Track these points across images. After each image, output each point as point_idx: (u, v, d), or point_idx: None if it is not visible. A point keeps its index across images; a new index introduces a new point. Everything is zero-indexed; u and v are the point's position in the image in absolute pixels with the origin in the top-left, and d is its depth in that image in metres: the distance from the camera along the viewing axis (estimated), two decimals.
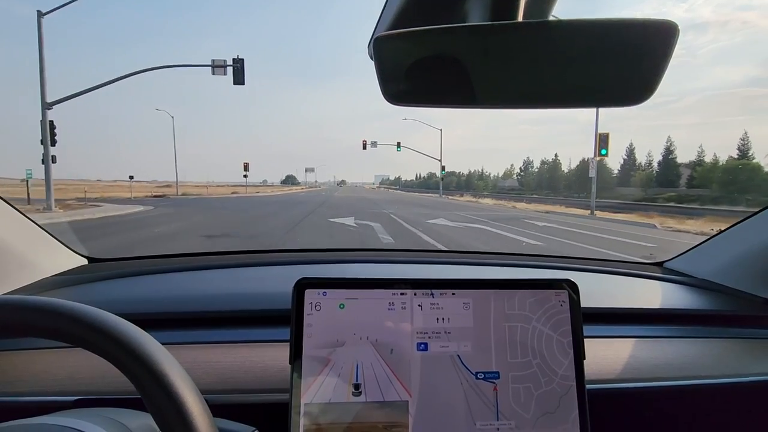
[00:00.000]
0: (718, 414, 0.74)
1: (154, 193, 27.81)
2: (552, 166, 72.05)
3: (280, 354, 0.67)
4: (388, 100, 0.39)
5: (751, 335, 0.86)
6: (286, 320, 0.57)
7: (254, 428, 0.48)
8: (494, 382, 0.57)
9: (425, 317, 0.59)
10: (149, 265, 1.00)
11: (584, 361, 0.59)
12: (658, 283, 1.05)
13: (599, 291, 0.95)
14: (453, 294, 0.60)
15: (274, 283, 0.87)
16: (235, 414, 0.54)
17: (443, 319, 0.59)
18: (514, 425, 0.56)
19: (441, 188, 47.06)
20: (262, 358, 0.68)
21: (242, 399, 0.63)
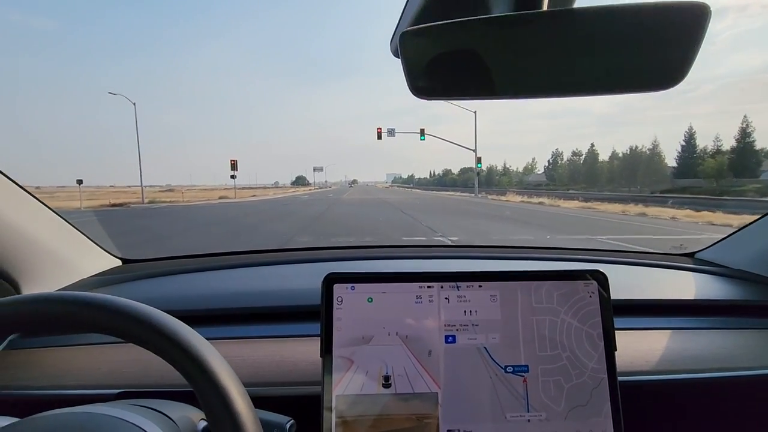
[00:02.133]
0: (755, 406, 0.72)
1: (113, 202, 22.38)
2: (589, 157, 64.27)
3: (311, 348, 0.69)
4: (415, 94, 0.40)
5: None
6: (314, 315, 0.58)
7: (290, 419, 0.50)
8: (523, 375, 0.57)
9: (453, 310, 0.59)
10: (180, 265, 1.03)
11: (615, 353, 0.59)
12: (690, 274, 1.02)
13: (628, 283, 0.93)
14: (480, 287, 0.60)
15: (302, 279, 0.89)
16: (268, 406, 0.56)
17: (470, 311, 0.59)
18: (545, 417, 0.56)
19: (477, 186, 40.25)
20: (293, 353, 0.70)
21: (275, 392, 0.65)
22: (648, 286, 0.95)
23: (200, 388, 0.40)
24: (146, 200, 24.13)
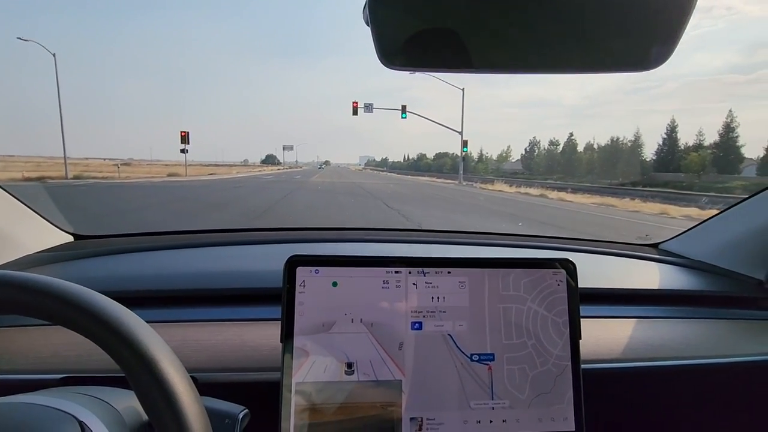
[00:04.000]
0: (712, 393, 0.75)
1: (26, 175, 18.55)
2: (568, 148, 61.63)
3: (272, 332, 0.66)
4: (384, 64, 0.36)
5: (745, 316, 0.86)
6: (277, 298, 0.55)
7: (244, 408, 0.47)
8: (488, 363, 0.57)
9: (420, 296, 0.57)
10: (137, 243, 0.97)
11: (580, 341, 0.59)
12: (654, 264, 1.05)
13: (594, 271, 0.94)
14: (449, 273, 0.58)
15: (266, 261, 0.85)
16: (225, 393, 0.53)
17: (438, 298, 0.57)
18: (509, 405, 0.56)
19: (461, 171, 32.76)
20: (254, 337, 0.67)
21: (233, 378, 0.62)
22: (613, 275, 0.97)
23: (133, 373, 0.36)
24: (71, 175, 20.05)
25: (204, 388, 0.61)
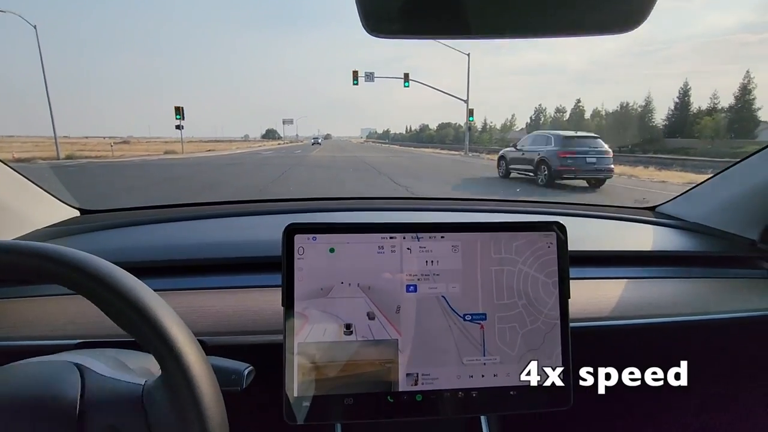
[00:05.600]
0: (700, 347, 0.78)
1: (17, 155, 17.33)
2: (575, 114, 56.92)
3: (273, 298, 0.69)
4: (368, 32, 0.37)
5: (737, 275, 0.88)
6: (278, 266, 0.58)
7: (249, 365, 0.50)
8: (480, 323, 0.59)
9: (414, 260, 0.59)
10: (142, 216, 1.00)
11: (569, 300, 0.61)
12: (650, 226, 1.06)
13: (590, 235, 0.96)
14: (442, 237, 0.60)
15: (266, 230, 0.88)
16: (231, 354, 0.56)
17: (432, 261, 0.60)
18: (500, 360, 0.59)
19: (467, 142, 29.89)
20: (256, 303, 0.70)
21: (238, 340, 0.66)
22: (609, 237, 0.99)
23: (142, 334, 0.39)
24: (63, 155, 18.81)
25: (212, 349, 0.65)
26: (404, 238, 0.59)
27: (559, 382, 0.60)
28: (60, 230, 0.91)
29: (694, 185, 1.12)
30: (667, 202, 1.15)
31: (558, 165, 8.68)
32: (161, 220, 0.97)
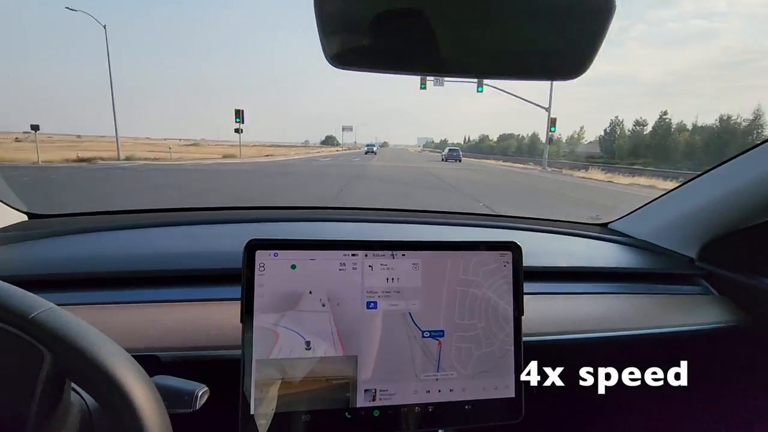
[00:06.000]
0: (645, 359, 0.83)
1: (80, 155, 18.39)
2: (660, 128, 50.54)
3: (235, 312, 0.68)
4: (330, 62, 0.38)
5: (678, 291, 0.95)
6: (239, 279, 0.57)
7: (203, 385, 0.49)
8: (439, 339, 0.61)
9: (375, 277, 0.60)
10: (95, 222, 0.96)
11: (523, 317, 0.64)
12: (601, 243, 1.12)
13: (545, 251, 1.00)
14: (403, 255, 0.61)
15: (227, 241, 0.86)
16: (188, 371, 0.55)
17: (393, 279, 0.61)
18: (456, 375, 0.61)
19: (546, 155, 27.56)
20: (216, 316, 0.68)
21: (196, 356, 0.64)
22: (563, 253, 1.04)
23: (69, 367, 0.36)
24: (123, 156, 19.45)
25: (167, 365, 0.64)
26: (366, 255, 0.60)
27: (511, 396, 0.62)
28: (3, 237, 0.86)
29: (645, 203, 1.19)
30: (619, 219, 1.22)
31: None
32: (115, 228, 0.93)
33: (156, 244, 0.88)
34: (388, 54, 0.38)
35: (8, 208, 0.93)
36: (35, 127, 17.45)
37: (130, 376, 0.38)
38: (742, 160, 0.87)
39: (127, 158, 19.64)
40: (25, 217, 0.96)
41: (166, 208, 1.08)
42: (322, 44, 0.36)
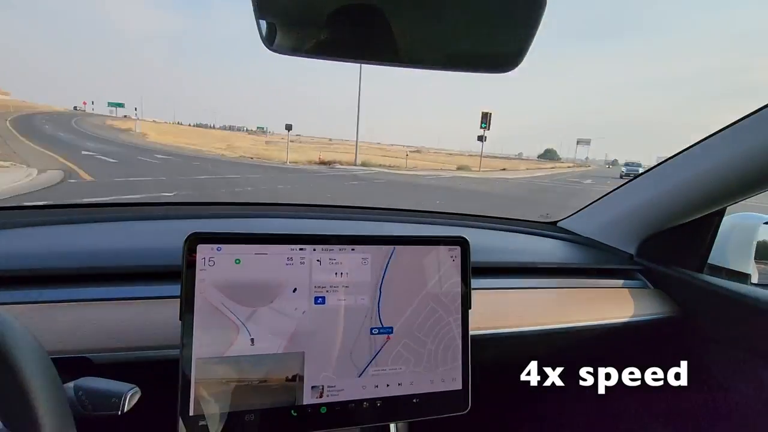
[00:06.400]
0: (585, 350, 0.87)
1: (322, 158, 18.52)
2: None
3: (174, 310, 0.65)
4: (267, 46, 0.36)
5: (619, 285, 1.00)
6: (180, 276, 0.55)
7: (133, 386, 0.47)
8: (387, 335, 0.61)
9: (324, 272, 0.59)
10: (33, 216, 0.89)
11: (474, 311, 0.65)
12: (550, 240, 1.17)
13: (497, 247, 1.03)
14: (352, 249, 0.61)
15: (169, 237, 0.82)
16: (123, 372, 0.52)
17: (342, 273, 0.60)
18: (404, 369, 0.61)
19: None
20: (157, 315, 0.65)
21: (131, 357, 0.61)
22: (515, 250, 1.07)
23: None
24: (359, 162, 19.06)
25: (100, 367, 0.60)
26: (314, 249, 0.59)
27: (458, 388, 0.63)
28: None
29: (591, 202, 1.25)
30: (567, 217, 1.28)
31: None
32: (53, 222, 0.86)
33: (92, 240, 0.83)
34: (331, 41, 0.37)
35: None
36: (288, 127, 18.03)
37: (33, 382, 0.35)
38: (676, 162, 0.93)
39: (363, 164, 19.42)
40: None
41: (103, 203, 1.02)
42: (258, 27, 0.35)
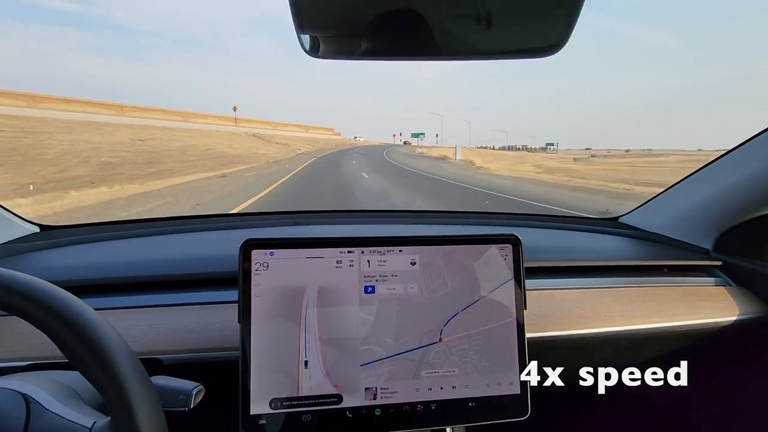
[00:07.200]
0: (653, 354, 0.80)
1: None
2: None
3: (232, 314, 0.68)
4: (306, 51, 0.37)
5: (693, 283, 0.91)
6: (236, 282, 0.57)
7: (198, 384, 0.49)
8: (439, 336, 0.60)
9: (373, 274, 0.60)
10: (101, 232, 0.98)
11: (526, 311, 0.62)
12: (612, 237, 1.09)
13: (552, 246, 0.98)
14: (400, 251, 0.61)
15: (225, 245, 0.87)
16: (190, 372, 0.55)
17: (391, 275, 0.60)
18: (458, 372, 0.60)
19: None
20: (217, 319, 0.69)
21: (196, 358, 0.64)
22: (571, 248, 1.01)
23: (75, 355, 0.38)
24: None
25: (169, 368, 0.64)
26: (362, 252, 0.60)
27: (516, 393, 0.61)
28: (16, 247, 0.88)
29: (654, 195, 1.16)
30: (629, 212, 1.19)
31: None
32: (121, 237, 0.95)
33: (159, 250, 0.90)
34: (369, 42, 0.37)
35: (21, 220, 0.96)
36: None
37: (131, 375, 0.39)
38: (753, 146, 0.84)
39: None
40: (36, 229, 0.98)
41: (165, 217, 1.10)
42: (297, 33, 0.36)
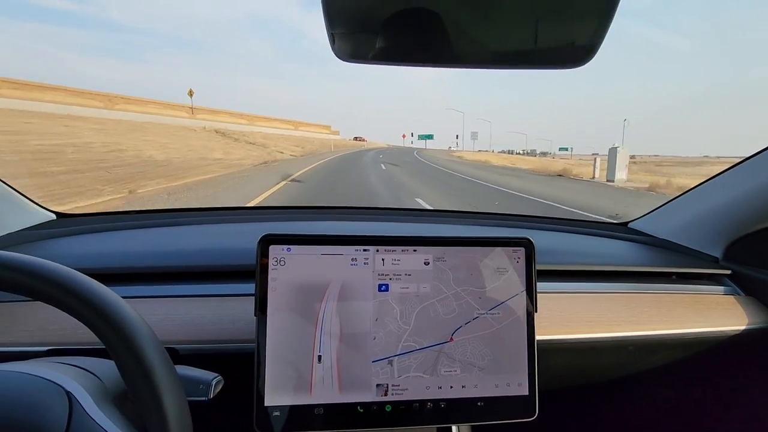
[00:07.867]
0: (660, 362, 0.81)
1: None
2: None
3: (248, 307, 0.69)
4: (339, 57, 0.38)
5: (701, 291, 0.91)
6: (253, 275, 0.59)
7: (217, 375, 0.51)
8: (450, 337, 0.61)
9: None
10: (118, 221, 0.99)
11: (541, 316, 0.63)
12: (621, 242, 1.09)
13: (562, 249, 0.98)
14: (414, 251, 0.62)
15: (242, 238, 0.88)
16: (205, 363, 0.56)
17: (404, 274, 0.61)
18: (468, 372, 0.61)
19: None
20: (231, 311, 0.70)
21: (212, 349, 0.66)
22: (579, 252, 1.01)
23: (111, 344, 0.39)
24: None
25: (184, 358, 0.65)
26: (377, 250, 0.61)
27: (524, 394, 0.61)
28: (34, 234, 0.90)
29: (665, 201, 1.16)
30: (640, 217, 1.19)
31: None
32: (138, 226, 0.96)
33: (177, 241, 0.91)
34: (397, 47, 0.38)
35: (38, 207, 0.97)
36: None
37: (158, 364, 0.40)
38: (766, 156, 0.84)
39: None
40: (53, 216, 1.00)
41: (185, 208, 1.11)
42: (330, 40, 0.37)
